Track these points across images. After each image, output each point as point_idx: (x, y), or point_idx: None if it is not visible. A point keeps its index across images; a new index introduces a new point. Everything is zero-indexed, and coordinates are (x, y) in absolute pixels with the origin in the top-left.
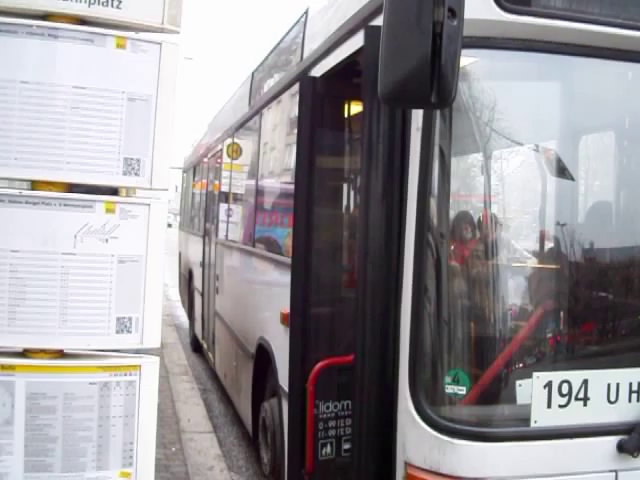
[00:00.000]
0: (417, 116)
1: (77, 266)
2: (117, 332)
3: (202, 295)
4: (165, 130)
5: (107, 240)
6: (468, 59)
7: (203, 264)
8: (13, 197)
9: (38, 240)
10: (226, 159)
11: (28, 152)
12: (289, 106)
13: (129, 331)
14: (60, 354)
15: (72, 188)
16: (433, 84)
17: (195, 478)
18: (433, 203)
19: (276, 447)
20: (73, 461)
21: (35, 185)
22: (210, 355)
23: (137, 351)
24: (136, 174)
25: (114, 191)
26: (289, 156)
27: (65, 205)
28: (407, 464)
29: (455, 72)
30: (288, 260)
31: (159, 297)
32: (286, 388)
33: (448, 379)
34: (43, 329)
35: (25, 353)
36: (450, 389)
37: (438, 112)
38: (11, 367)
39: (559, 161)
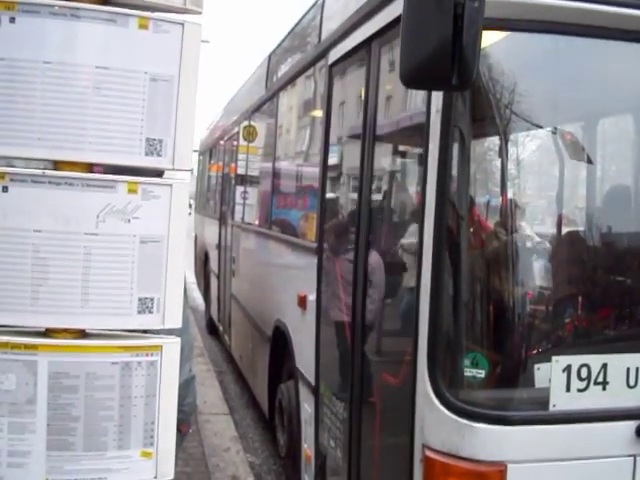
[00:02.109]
0: (437, 98)
1: (99, 246)
2: (139, 312)
3: (218, 277)
4: (187, 111)
5: (129, 220)
6: (488, 41)
7: (219, 247)
8: (36, 177)
9: (61, 220)
10: (242, 142)
11: (51, 132)
12: (306, 88)
13: (151, 311)
14: (82, 334)
15: (93, 168)
16: (454, 66)
17: (212, 459)
18: (453, 185)
19: (292, 429)
20: (95, 440)
21: (58, 165)
22: (226, 337)
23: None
24: (158, 155)
25: (136, 171)
26: (307, 138)
27: (88, 185)
28: (425, 447)
29: (476, 54)
30: (305, 242)
31: (180, 278)
32: (302, 370)
33: (467, 362)
34: (65, 309)
35: (47, 333)
36: (469, 372)
37: (458, 94)
38: (34, 346)
39: (579, 144)
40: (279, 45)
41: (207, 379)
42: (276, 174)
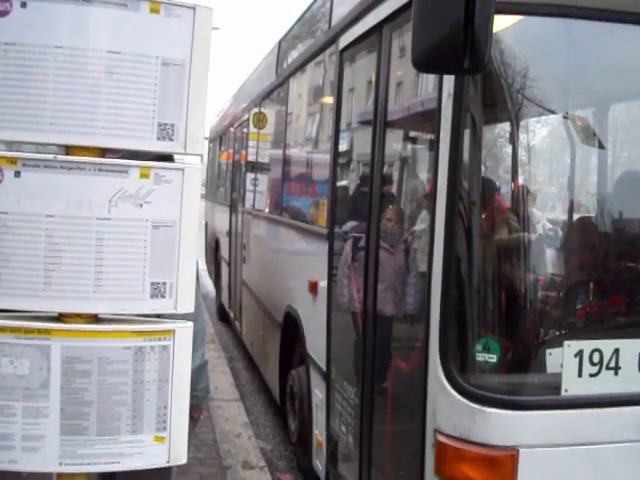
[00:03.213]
0: (449, 82)
1: (112, 231)
2: (151, 297)
3: (229, 264)
4: (199, 95)
5: (141, 205)
6: (501, 25)
7: (230, 233)
8: (48, 162)
9: (73, 205)
10: (252, 128)
11: (63, 117)
12: (317, 74)
13: (163, 296)
14: (95, 319)
15: (105, 153)
16: (466, 49)
17: (223, 445)
18: (464, 170)
19: (303, 415)
20: (108, 425)
21: (70, 150)
22: (237, 324)
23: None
24: (170, 139)
25: (148, 156)
26: (318, 123)
27: (100, 170)
28: (437, 432)
29: (489, 37)
30: (317, 228)
31: (193, 263)
32: (314, 356)
33: (479, 347)
34: (78, 294)
35: (60, 318)
36: (481, 357)
37: (470, 78)
38: (47, 331)
39: (592, 130)
40: (289, 31)
41: (218, 365)
42: (287, 160)
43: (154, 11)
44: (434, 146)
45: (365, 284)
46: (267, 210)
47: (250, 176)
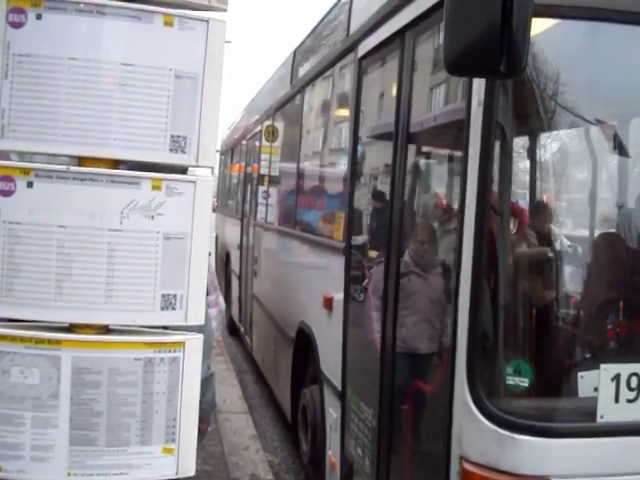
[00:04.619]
0: (479, 90)
1: (123, 242)
2: (162, 309)
3: (239, 278)
4: (212, 108)
5: (153, 217)
6: (537, 29)
7: (240, 247)
8: (61, 173)
9: (85, 216)
10: (264, 141)
11: (76, 129)
12: (334, 83)
13: (174, 308)
14: (105, 330)
15: (118, 165)
16: (503, 52)
17: (231, 458)
18: (494, 183)
19: (316, 435)
20: (117, 436)
21: (82, 162)
22: (247, 339)
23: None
24: (182, 151)
25: (160, 168)
26: (334, 134)
27: (112, 182)
28: (463, 459)
29: (526, 39)
30: (333, 242)
31: (204, 275)
32: (328, 374)
33: (509, 370)
34: (89, 305)
35: (71, 328)
36: (511, 381)
37: (501, 86)
38: (57, 342)
39: (632, 141)
40: (305, 40)
41: (227, 378)
42: (302, 173)
43: (168, 24)
44: (462, 157)
45: (385, 308)
46: (280, 223)
47: (262, 189)
